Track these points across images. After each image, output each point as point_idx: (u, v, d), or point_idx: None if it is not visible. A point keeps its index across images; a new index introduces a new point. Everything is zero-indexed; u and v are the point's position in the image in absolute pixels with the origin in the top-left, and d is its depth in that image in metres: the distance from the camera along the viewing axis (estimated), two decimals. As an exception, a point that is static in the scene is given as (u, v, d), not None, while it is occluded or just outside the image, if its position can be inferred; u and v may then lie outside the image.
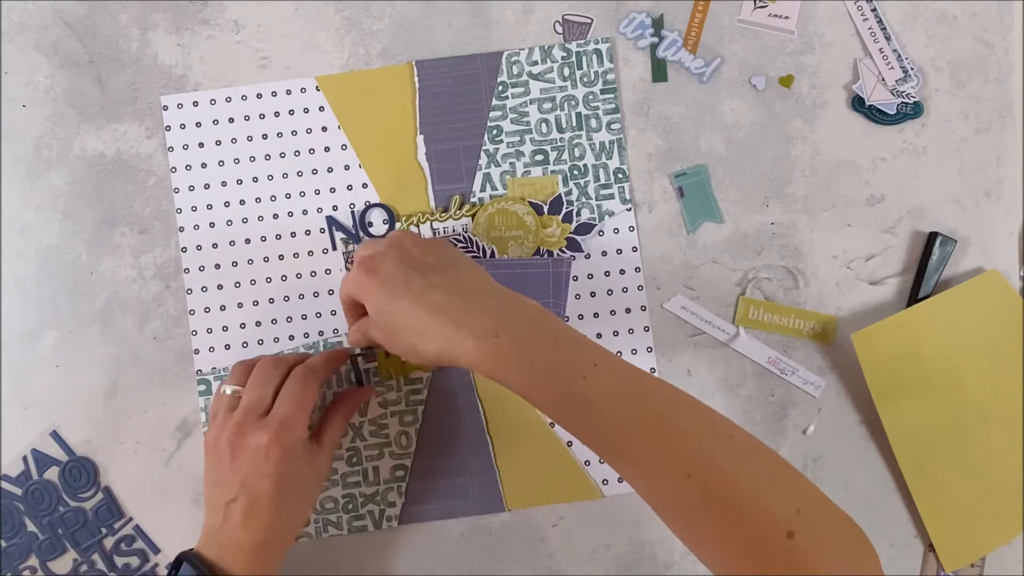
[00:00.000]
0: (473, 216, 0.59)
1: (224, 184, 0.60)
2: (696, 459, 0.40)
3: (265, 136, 0.60)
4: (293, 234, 0.60)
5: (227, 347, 0.59)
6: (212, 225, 0.60)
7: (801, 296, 0.60)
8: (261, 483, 0.48)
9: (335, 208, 0.60)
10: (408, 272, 0.46)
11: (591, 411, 0.42)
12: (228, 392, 0.52)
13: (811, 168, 0.61)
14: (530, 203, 0.59)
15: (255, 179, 0.60)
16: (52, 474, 0.58)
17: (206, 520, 0.50)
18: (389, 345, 0.48)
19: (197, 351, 0.59)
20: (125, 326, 0.59)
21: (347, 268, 0.59)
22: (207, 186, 0.60)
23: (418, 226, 0.59)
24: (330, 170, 0.60)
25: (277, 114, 0.60)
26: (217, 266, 0.59)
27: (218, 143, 0.60)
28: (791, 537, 0.38)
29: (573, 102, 0.60)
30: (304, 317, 0.59)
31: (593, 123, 0.60)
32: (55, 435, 0.58)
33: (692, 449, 0.40)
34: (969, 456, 0.59)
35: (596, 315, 0.60)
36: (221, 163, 0.60)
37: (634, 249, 0.60)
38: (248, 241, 0.60)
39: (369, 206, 0.60)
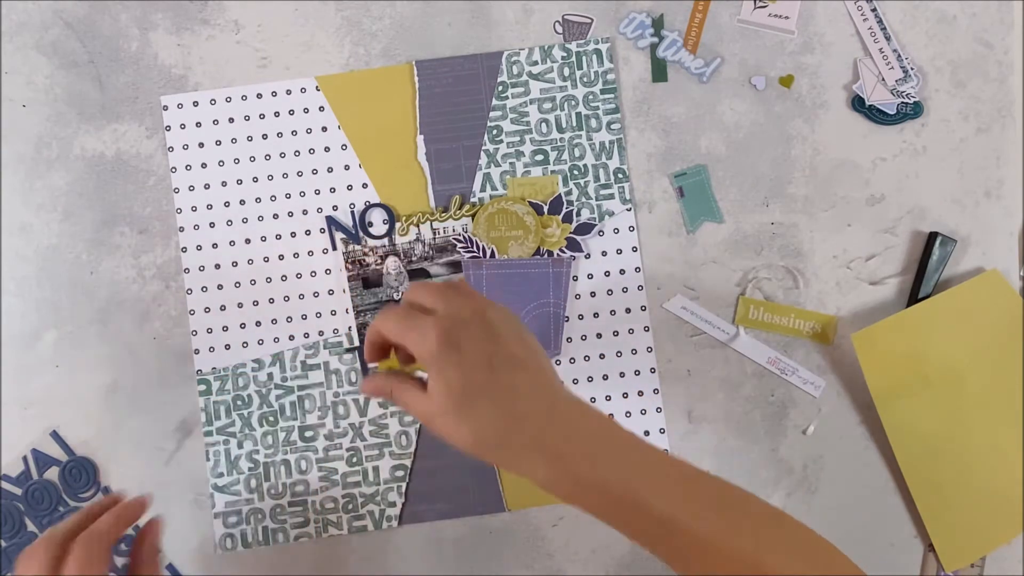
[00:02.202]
0: (473, 216, 0.59)
1: (224, 184, 0.60)
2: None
3: (265, 136, 0.60)
4: (293, 234, 0.60)
5: (227, 347, 0.59)
6: (212, 225, 0.60)
7: (801, 296, 0.60)
8: None
9: (335, 208, 0.60)
10: (493, 360, 0.40)
11: (672, 529, 0.41)
12: None
13: (811, 168, 0.61)
14: (530, 203, 0.59)
15: (255, 179, 0.60)
16: (52, 474, 0.58)
17: None
18: (429, 423, 0.41)
19: (197, 351, 0.59)
20: (125, 326, 0.59)
21: (347, 268, 0.59)
22: (207, 186, 0.60)
23: (418, 226, 0.59)
24: (330, 170, 0.60)
25: (277, 114, 0.60)
26: (217, 266, 0.59)
27: (218, 143, 0.60)
28: None
29: (573, 102, 0.60)
30: (304, 317, 0.59)
31: (593, 123, 0.60)
32: (55, 435, 0.58)
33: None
34: (969, 456, 0.59)
35: (596, 315, 0.60)
36: (221, 163, 0.60)
37: (634, 249, 0.60)
38: (248, 241, 0.60)
39: (369, 206, 0.60)
